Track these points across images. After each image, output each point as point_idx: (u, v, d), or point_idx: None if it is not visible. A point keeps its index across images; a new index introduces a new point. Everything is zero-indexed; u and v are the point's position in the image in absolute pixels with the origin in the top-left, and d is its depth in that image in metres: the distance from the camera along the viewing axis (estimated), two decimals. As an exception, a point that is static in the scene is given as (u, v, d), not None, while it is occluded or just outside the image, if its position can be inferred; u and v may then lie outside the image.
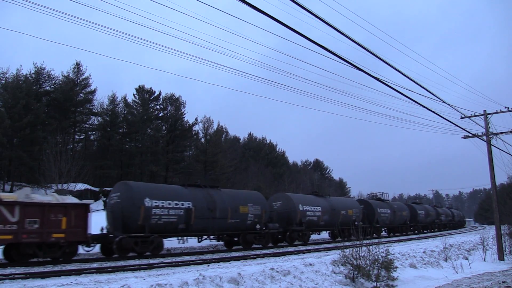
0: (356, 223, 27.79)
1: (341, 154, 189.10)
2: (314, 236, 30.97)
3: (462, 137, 22.43)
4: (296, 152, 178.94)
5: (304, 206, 25.87)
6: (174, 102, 52.20)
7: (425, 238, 31.71)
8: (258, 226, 21.56)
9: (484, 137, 21.00)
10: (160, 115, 52.63)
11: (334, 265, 11.44)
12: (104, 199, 19.59)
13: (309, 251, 19.22)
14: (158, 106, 52.76)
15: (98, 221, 17.45)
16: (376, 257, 10.95)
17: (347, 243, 12.02)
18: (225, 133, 64.90)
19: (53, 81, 44.85)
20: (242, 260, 14.81)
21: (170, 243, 20.23)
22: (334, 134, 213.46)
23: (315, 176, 71.12)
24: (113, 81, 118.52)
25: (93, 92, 47.79)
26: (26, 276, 9.95)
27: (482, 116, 21.29)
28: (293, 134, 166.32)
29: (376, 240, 13.04)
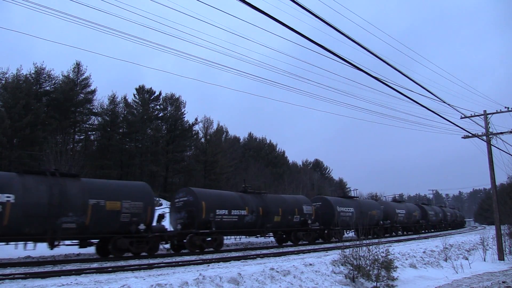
0: (309, 224, 25.24)
1: (342, 154, 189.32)
2: (253, 240, 27.22)
3: (462, 137, 22.47)
4: (297, 152, 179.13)
5: (216, 206, 20.29)
6: (174, 102, 52.24)
7: (425, 238, 31.70)
8: (141, 227, 16.78)
9: (484, 137, 21.02)
10: (160, 115, 52.66)
11: (334, 265, 11.45)
12: None
13: (309, 251, 19.23)
14: (158, 106, 52.82)
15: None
16: (376, 257, 10.97)
17: (347, 243, 12.02)
18: (225, 133, 64.97)
19: (53, 81, 44.86)
20: (242, 260, 14.82)
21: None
22: (335, 135, 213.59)
23: (315, 176, 71.12)
24: (132, 80, 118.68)
25: (93, 92, 47.77)
26: (26, 276, 9.95)
27: (482, 116, 21.32)
28: (293, 134, 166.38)
29: (376, 240, 13.06)
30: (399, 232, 39.06)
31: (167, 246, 19.06)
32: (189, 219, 19.49)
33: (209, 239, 19.78)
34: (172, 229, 20.23)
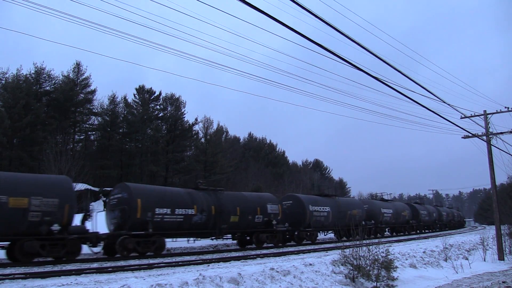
0: (274, 224, 22.86)
1: (343, 154, 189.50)
2: (209, 243, 24.36)
3: (462, 137, 22.46)
4: (298, 153, 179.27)
5: (156, 204, 17.68)
6: (174, 102, 52.30)
7: (425, 238, 31.70)
8: (55, 228, 14.49)
9: (484, 137, 21.02)
10: (160, 115, 52.74)
11: (334, 265, 11.44)
12: (104, 199, 19.08)
13: (309, 251, 19.24)
14: (158, 106, 52.90)
15: (100, 222, 17.28)
16: (376, 257, 10.96)
17: (347, 243, 12.01)
18: (225, 133, 65.06)
19: (53, 81, 44.97)
20: (242, 260, 14.82)
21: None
22: (336, 135, 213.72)
23: (315, 176, 71.16)
24: (134, 80, 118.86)
25: (93, 92, 47.94)
26: (26, 276, 9.95)
27: (482, 116, 21.31)
28: (294, 135, 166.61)
29: (377, 240, 13.07)
30: (386, 233, 36.67)
31: (97, 249, 16.44)
32: (122, 218, 17.06)
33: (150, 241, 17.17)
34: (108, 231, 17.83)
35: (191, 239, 20.42)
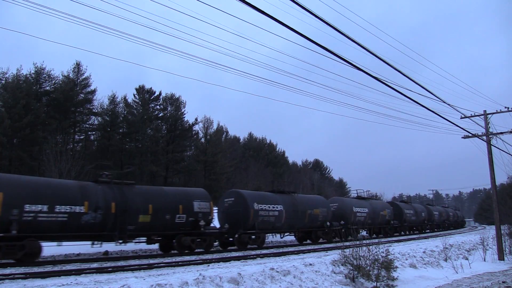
0: (202, 226, 19.02)
1: (344, 154, 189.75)
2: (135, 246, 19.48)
3: (462, 137, 22.51)
4: (299, 153, 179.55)
5: (27, 200, 14.03)
6: (174, 102, 52.31)
7: (425, 238, 31.69)
8: None
9: (484, 137, 21.04)
10: (160, 115, 52.74)
11: (334, 265, 11.46)
12: None
13: (309, 251, 19.26)
14: (158, 106, 52.89)
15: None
16: (376, 257, 10.98)
17: (347, 243, 12.02)
18: (225, 133, 65.09)
19: (53, 81, 44.94)
20: (242, 260, 14.83)
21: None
22: (337, 135, 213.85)
23: (315, 176, 71.16)
24: (135, 80, 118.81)
25: (93, 92, 47.89)
26: (26, 276, 9.95)
27: (482, 116, 21.35)
28: (297, 135, 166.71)
29: (376, 240, 13.08)
30: (364, 234, 32.11)
31: None
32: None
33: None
34: None
35: (96, 243, 16.54)
